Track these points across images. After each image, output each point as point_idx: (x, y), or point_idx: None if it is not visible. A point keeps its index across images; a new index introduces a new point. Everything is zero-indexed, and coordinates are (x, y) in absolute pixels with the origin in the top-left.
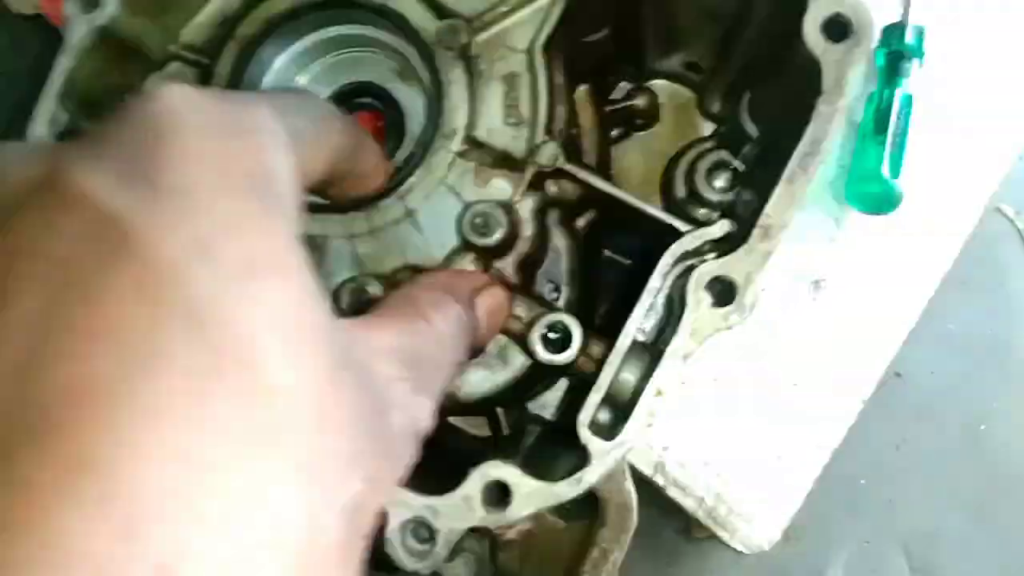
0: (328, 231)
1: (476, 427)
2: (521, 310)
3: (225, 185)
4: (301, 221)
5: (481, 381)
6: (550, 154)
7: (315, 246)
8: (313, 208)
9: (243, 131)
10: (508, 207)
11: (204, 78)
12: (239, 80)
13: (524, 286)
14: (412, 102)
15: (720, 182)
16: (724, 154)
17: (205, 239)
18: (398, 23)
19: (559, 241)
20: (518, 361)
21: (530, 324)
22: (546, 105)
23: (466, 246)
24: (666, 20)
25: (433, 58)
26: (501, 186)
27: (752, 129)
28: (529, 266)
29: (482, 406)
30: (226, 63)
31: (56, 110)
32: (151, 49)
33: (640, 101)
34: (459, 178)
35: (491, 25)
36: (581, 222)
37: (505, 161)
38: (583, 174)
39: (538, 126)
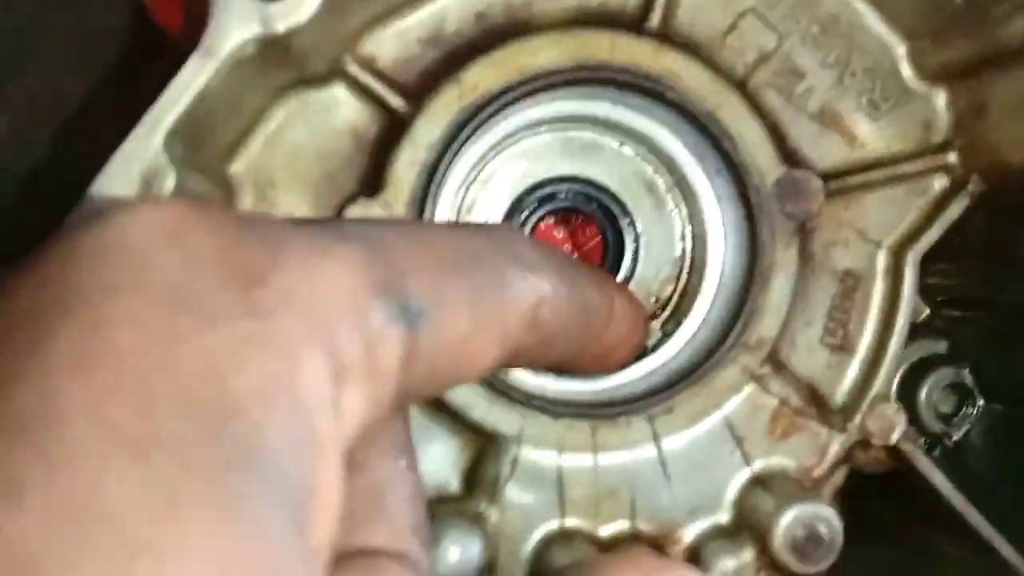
0: (520, 426)
1: None
2: None
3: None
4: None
5: None
6: (888, 419)
7: (490, 440)
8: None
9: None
10: (833, 522)
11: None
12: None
13: None
14: (655, 235)
15: None
16: None
17: None
18: (724, 147)
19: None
20: None
21: None
22: (898, 340)
23: (750, 535)
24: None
25: (760, 219)
26: (804, 445)
27: None
28: None
29: None
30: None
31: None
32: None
33: None
34: (749, 417)
35: (845, 193)
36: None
37: (813, 408)
38: (936, 477)
39: (878, 367)
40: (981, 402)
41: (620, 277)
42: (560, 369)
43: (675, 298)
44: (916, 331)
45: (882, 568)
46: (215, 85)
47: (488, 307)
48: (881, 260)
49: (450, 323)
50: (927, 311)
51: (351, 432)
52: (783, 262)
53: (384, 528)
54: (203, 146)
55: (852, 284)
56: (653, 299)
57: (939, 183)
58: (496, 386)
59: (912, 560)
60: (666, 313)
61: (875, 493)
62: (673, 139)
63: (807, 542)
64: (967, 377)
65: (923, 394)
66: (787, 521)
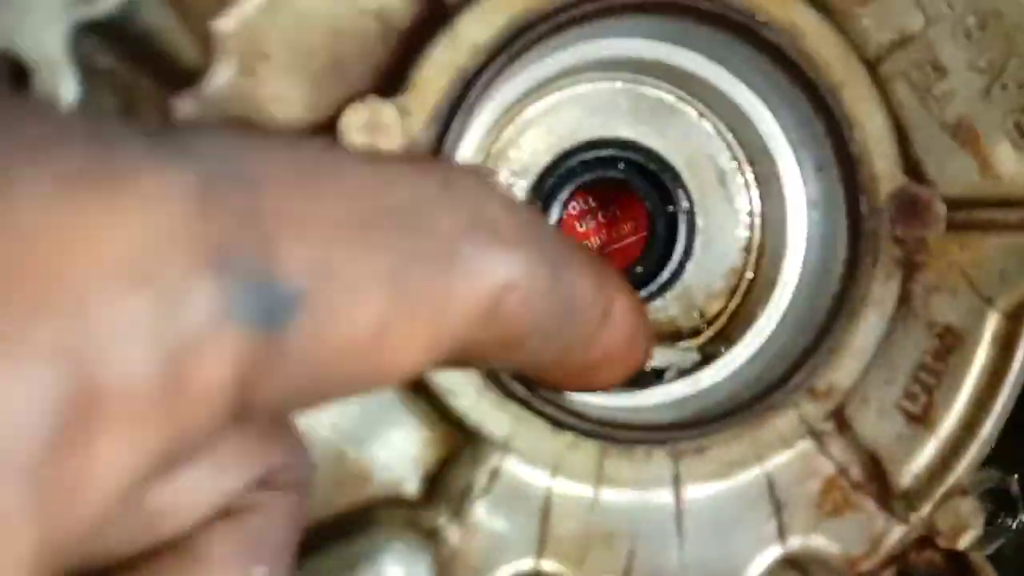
0: (510, 430)
1: None
2: None
3: None
4: None
5: None
6: (962, 518)
7: (469, 440)
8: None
9: None
10: None
11: None
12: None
13: None
14: (715, 237)
15: None
16: None
17: None
18: (840, 135)
19: None
20: None
21: None
22: (993, 424)
23: None
24: None
25: (864, 237)
26: (856, 528)
27: None
28: None
29: None
30: None
31: None
32: None
33: None
34: (796, 482)
35: (966, 229)
36: None
37: (874, 485)
38: None
39: (961, 452)
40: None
41: (660, 280)
42: (527, 380)
43: (725, 317)
44: None
45: None
46: None
47: (420, 290)
48: (992, 322)
49: (347, 314)
50: None
51: (96, 509)
52: (880, 297)
53: (219, 476)
54: None
55: (950, 343)
56: (697, 313)
57: None
58: (491, 372)
59: None
60: (710, 332)
61: None
62: (769, 116)
63: None
64: (1014, 485)
65: None
66: None
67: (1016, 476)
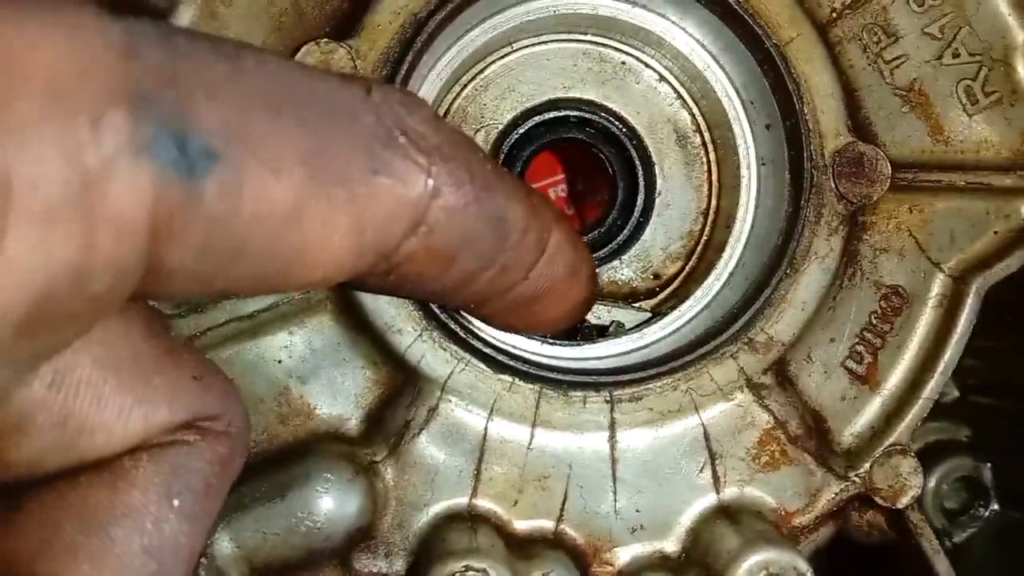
0: (450, 369)
1: None
2: None
3: None
4: None
5: None
6: (903, 477)
7: (410, 379)
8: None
9: None
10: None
11: None
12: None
13: None
14: (675, 200)
15: None
16: None
17: None
18: (786, 91)
19: None
20: None
21: None
22: (936, 384)
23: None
24: None
25: (807, 191)
26: (792, 482)
27: None
28: None
29: None
30: None
31: None
32: None
33: None
34: (732, 433)
35: (914, 192)
36: None
37: (813, 441)
38: (940, 564)
39: (903, 415)
40: (996, 506)
41: (619, 241)
42: (470, 311)
43: (679, 281)
44: (938, 412)
45: None
46: None
47: (339, 178)
48: (938, 283)
49: (262, 184)
50: (956, 393)
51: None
52: (822, 251)
53: (144, 409)
54: None
55: (897, 305)
56: (652, 276)
57: None
58: (434, 311)
59: None
60: (664, 294)
61: None
62: (723, 75)
63: None
64: (986, 474)
65: (931, 482)
66: (751, 564)
67: (989, 464)
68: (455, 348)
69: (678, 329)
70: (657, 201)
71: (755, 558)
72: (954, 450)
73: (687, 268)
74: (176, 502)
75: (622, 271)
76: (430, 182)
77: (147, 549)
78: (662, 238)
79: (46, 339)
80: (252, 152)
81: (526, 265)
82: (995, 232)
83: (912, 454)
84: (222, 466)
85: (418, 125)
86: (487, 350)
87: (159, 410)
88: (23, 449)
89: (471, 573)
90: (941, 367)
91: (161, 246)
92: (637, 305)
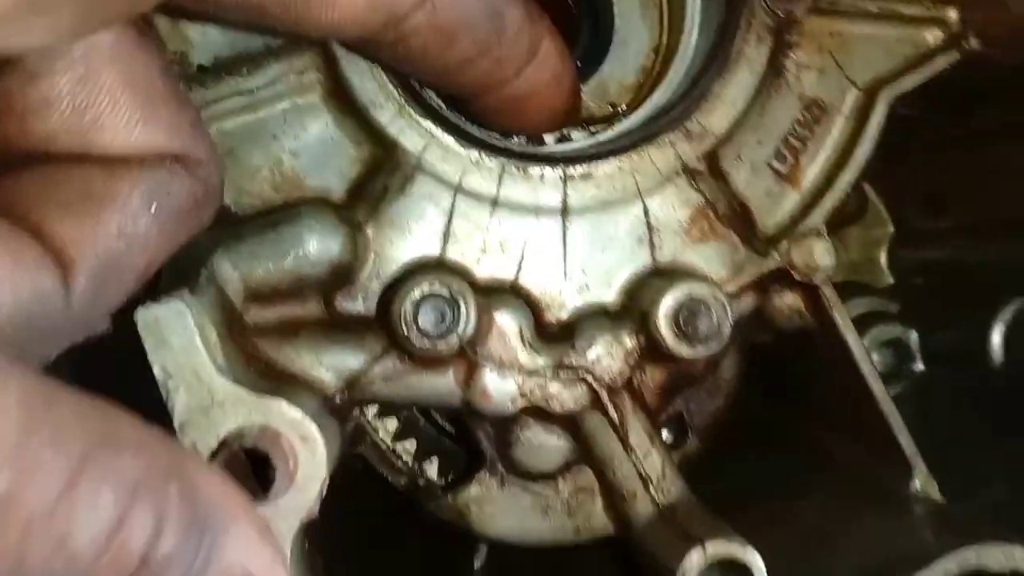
0: (424, 143)
1: None
2: (651, 465)
3: None
4: None
5: (516, 516)
6: (817, 256)
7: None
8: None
9: None
10: (723, 305)
11: None
12: None
13: (654, 410)
14: (631, 34)
15: None
16: None
17: None
18: None
19: (727, 371)
20: (594, 522)
21: (669, 511)
22: (849, 182)
23: (636, 320)
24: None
25: (736, 8)
26: (719, 255)
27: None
28: (677, 389)
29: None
30: None
31: None
32: None
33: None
34: (668, 209)
35: (833, 16)
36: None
37: (739, 222)
38: (841, 318)
39: (817, 204)
40: (921, 366)
41: (579, 73)
42: (464, 99)
43: (633, 107)
44: (871, 291)
45: (769, 476)
46: None
47: None
48: (852, 98)
49: None
50: (891, 280)
51: None
52: (751, 56)
53: (144, 128)
54: None
55: (817, 115)
56: (609, 105)
57: (932, 37)
58: (411, 87)
59: (800, 467)
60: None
61: (768, 390)
62: None
63: (691, 316)
64: (912, 337)
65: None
66: (675, 294)
67: (914, 330)
68: (429, 123)
69: (625, 129)
70: (615, 39)
71: (678, 291)
72: (884, 319)
73: (639, 97)
74: (153, 208)
75: (583, 101)
76: None
77: (121, 231)
78: (619, 72)
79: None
80: None
81: (517, 62)
82: (905, 56)
83: (825, 238)
84: (195, 202)
85: None
86: (458, 122)
87: (158, 134)
88: (44, 123)
89: (437, 286)
90: (852, 165)
91: None
92: (594, 129)
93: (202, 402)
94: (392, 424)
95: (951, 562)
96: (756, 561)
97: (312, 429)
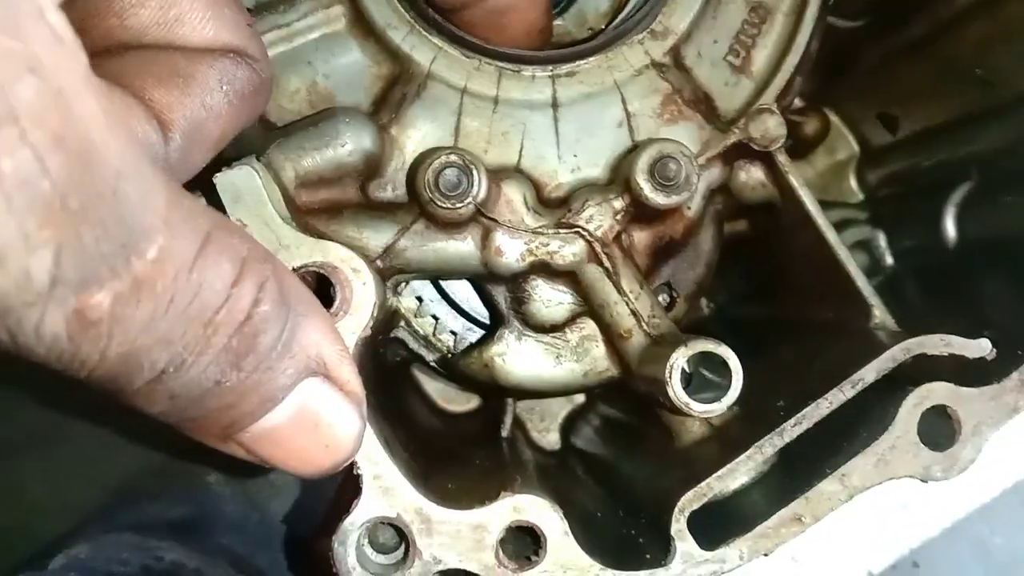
0: (433, 56)
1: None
2: (641, 304)
3: None
4: None
5: (533, 364)
6: (771, 129)
7: (404, 68)
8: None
9: None
10: (689, 159)
11: None
12: None
13: (646, 274)
14: None
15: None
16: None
17: None
18: None
19: (705, 243)
20: (599, 365)
21: (658, 340)
22: (792, 65)
23: (621, 186)
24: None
25: None
26: (688, 134)
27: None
28: (663, 254)
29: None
30: None
31: None
32: None
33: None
34: (642, 97)
35: None
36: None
37: (703, 106)
38: (795, 179)
39: (768, 87)
40: (890, 261)
41: (562, 4)
42: (452, 11)
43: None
44: (843, 206)
45: (749, 343)
46: None
47: None
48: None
49: None
50: (861, 197)
51: None
52: None
53: (214, 25)
54: None
55: (762, 15)
56: (588, 29)
57: None
58: (419, 7)
59: (779, 336)
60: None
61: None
62: None
63: (663, 168)
64: (879, 236)
65: None
66: (649, 152)
67: (882, 231)
68: (436, 39)
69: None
70: None
71: (652, 150)
72: (855, 224)
73: (615, 22)
74: (224, 88)
75: (565, 26)
76: None
77: (202, 101)
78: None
79: None
80: None
81: None
82: None
83: (777, 113)
84: (253, 89)
85: None
86: (461, 35)
87: (224, 31)
88: (139, 19)
89: (453, 158)
90: (794, 50)
91: None
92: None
93: (272, 245)
94: (428, 324)
95: (898, 351)
96: (730, 354)
97: (362, 263)
